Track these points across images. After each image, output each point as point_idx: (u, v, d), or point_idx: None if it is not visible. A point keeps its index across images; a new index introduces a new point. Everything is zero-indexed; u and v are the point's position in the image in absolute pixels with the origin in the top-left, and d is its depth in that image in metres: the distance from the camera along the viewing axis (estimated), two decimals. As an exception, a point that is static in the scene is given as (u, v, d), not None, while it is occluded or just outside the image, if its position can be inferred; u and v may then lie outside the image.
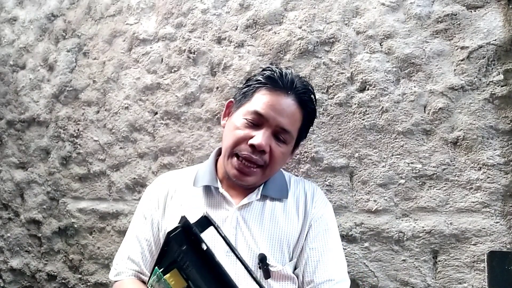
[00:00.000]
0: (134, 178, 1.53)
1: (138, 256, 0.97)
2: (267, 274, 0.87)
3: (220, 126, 1.37)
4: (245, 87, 0.99)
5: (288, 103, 0.92)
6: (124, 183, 1.55)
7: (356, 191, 1.20)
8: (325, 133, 1.24)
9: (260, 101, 0.92)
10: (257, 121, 0.92)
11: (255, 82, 0.96)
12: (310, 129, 1.25)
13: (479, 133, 1.07)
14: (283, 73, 0.95)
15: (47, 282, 1.72)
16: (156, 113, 1.51)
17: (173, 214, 0.99)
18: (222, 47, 1.42)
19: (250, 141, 0.89)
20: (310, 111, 0.98)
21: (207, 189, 1.01)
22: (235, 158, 0.93)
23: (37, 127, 1.79)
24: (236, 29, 1.40)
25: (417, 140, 1.14)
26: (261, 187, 1.00)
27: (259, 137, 0.89)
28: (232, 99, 1.03)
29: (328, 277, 0.91)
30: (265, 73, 0.96)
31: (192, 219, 0.55)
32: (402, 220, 1.14)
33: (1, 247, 1.85)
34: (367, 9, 1.22)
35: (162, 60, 1.53)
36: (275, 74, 0.94)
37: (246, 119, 0.92)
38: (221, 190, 0.99)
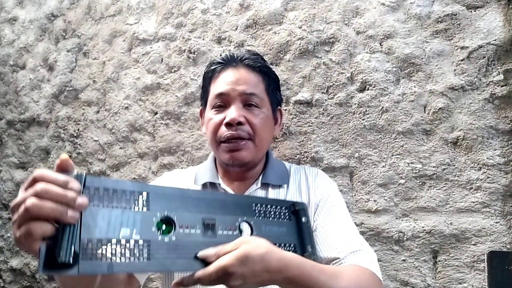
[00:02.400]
0: (134, 178, 1.53)
1: None
2: None
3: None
4: (202, 87, 1.05)
5: (239, 72, 0.96)
6: (124, 183, 1.55)
7: (356, 191, 1.20)
8: (325, 133, 1.24)
9: (216, 85, 0.97)
10: (222, 101, 0.95)
11: (206, 75, 1.02)
12: (310, 129, 1.25)
13: (479, 133, 1.07)
14: (223, 55, 1.01)
15: (47, 282, 1.72)
16: (156, 113, 1.52)
17: None
18: (222, 47, 1.42)
19: (225, 121, 0.92)
20: (266, 71, 1.00)
21: (209, 186, 1.02)
22: (222, 144, 0.95)
23: (37, 127, 1.79)
24: (236, 29, 1.40)
25: (417, 140, 1.14)
26: (260, 177, 1.00)
27: (230, 112, 0.92)
28: (201, 107, 1.06)
29: (353, 249, 0.84)
30: (210, 65, 1.03)
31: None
32: (402, 220, 1.14)
33: (1, 247, 1.85)
34: (367, 9, 1.22)
35: (162, 60, 1.53)
36: (217, 59, 1.00)
37: (213, 107, 0.96)
38: (223, 185, 0.99)
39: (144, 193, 0.59)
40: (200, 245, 0.60)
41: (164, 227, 0.59)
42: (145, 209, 0.58)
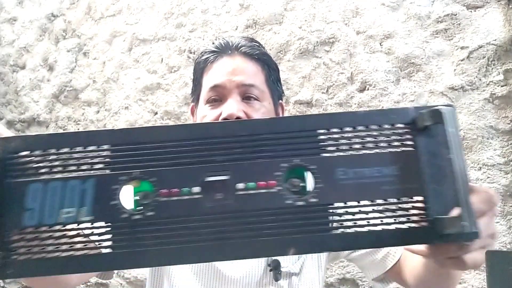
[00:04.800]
0: (134, 178, 1.53)
1: None
2: (277, 277, 0.77)
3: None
4: (193, 80, 0.93)
5: (236, 61, 0.83)
6: (124, 183, 1.55)
7: (356, 191, 1.20)
8: (325, 133, 1.24)
9: (210, 76, 0.84)
10: (218, 95, 0.81)
11: (197, 66, 0.89)
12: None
13: (479, 133, 1.07)
14: (216, 43, 0.87)
15: (47, 282, 1.72)
16: (156, 113, 1.52)
17: None
18: (222, 47, 1.42)
19: (221, 117, 0.78)
20: (265, 59, 0.87)
21: None
22: None
23: (37, 127, 1.79)
24: (236, 29, 1.40)
25: (417, 140, 1.14)
26: None
27: (227, 107, 0.78)
28: (192, 103, 0.96)
29: None
30: (201, 55, 0.89)
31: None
32: (402, 220, 1.14)
33: (1, 247, 1.85)
34: (367, 9, 1.22)
35: (162, 60, 1.53)
36: (209, 48, 0.87)
37: (207, 101, 0.83)
38: None
39: (105, 146, 0.38)
40: (197, 220, 0.37)
41: (138, 197, 0.39)
42: (106, 171, 0.38)
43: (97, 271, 0.54)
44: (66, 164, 0.38)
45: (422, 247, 0.43)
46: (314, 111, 1.25)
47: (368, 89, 1.20)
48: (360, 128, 0.39)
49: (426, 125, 0.38)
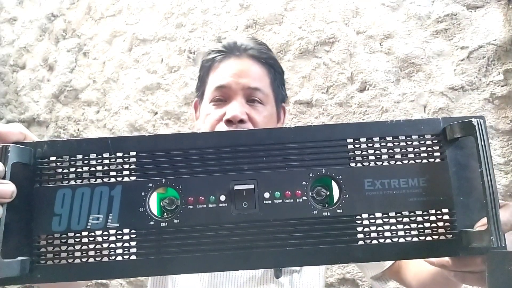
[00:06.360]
0: (134, 178, 1.53)
1: None
2: (277, 274, 0.78)
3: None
4: (198, 77, 0.93)
5: (243, 63, 0.83)
6: (124, 183, 1.55)
7: (356, 191, 1.20)
8: (325, 133, 1.24)
9: (216, 76, 0.84)
10: (223, 95, 0.82)
11: (204, 64, 0.90)
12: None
13: (479, 133, 1.07)
14: (224, 42, 0.87)
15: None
16: (156, 113, 1.52)
17: None
18: (222, 47, 1.42)
19: (225, 118, 0.79)
20: (272, 63, 0.87)
21: None
22: None
23: (37, 127, 1.79)
24: (236, 29, 1.40)
25: (417, 140, 1.14)
26: None
27: (231, 108, 0.79)
28: (196, 98, 0.96)
29: None
30: (209, 53, 0.90)
31: None
32: (402, 220, 1.14)
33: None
34: (367, 9, 1.22)
35: (162, 60, 1.53)
36: (217, 47, 0.87)
37: (212, 100, 0.84)
38: None
39: (132, 153, 0.39)
40: (223, 229, 0.37)
41: (163, 204, 0.40)
42: (132, 178, 0.38)
43: (122, 278, 0.50)
44: (94, 170, 0.39)
45: (444, 259, 0.42)
46: (314, 111, 1.26)
47: (368, 89, 1.20)
48: (388, 138, 0.39)
49: (457, 137, 0.38)
